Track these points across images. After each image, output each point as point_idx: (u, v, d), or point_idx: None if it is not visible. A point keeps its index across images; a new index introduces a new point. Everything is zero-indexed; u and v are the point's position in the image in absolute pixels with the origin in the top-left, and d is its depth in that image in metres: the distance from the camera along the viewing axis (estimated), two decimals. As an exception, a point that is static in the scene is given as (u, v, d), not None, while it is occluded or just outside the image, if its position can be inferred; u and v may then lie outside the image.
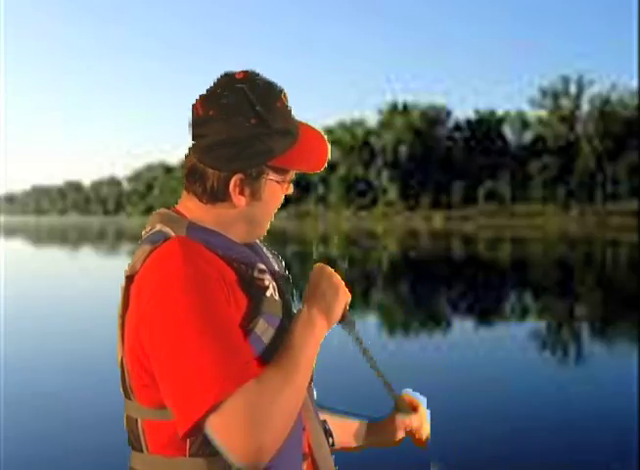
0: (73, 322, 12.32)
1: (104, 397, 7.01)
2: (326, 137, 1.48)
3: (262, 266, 1.39)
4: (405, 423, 1.71)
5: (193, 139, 1.41)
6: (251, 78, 1.38)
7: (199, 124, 1.38)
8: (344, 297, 1.47)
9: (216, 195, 1.39)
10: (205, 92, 1.40)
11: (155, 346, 1.25)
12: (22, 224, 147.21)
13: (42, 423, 6.27)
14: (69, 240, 55.80)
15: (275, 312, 1.37)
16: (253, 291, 1.34)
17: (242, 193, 1.39)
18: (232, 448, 1.19)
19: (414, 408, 1.73)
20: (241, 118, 1.35)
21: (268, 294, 1.37)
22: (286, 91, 1.43)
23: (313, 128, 1.49)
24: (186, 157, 1.43)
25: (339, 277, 1.47)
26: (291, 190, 1.48)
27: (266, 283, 1.37)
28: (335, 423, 1.68)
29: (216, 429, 1.20)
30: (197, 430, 1.23)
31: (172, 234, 1.35)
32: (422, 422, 1.74)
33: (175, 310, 1.24)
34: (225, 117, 1.35)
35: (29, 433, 6.00)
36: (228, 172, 1.37)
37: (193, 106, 1.40)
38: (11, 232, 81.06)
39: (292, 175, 1.45)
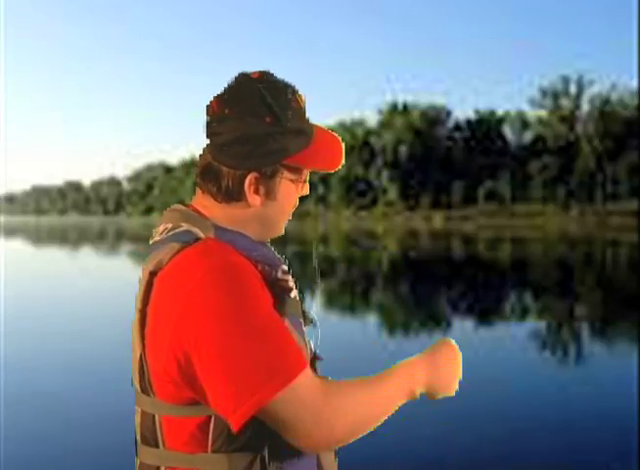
0: (73, 322, 12.31)
1: (104, 397, 7.01)
2: (341, 139, 1.48)
3: (285, 267, 1.40)
4: None
5: (208, 137, 1.41)
6: (267, 78, 1.39)
7: (214, 123, 1.39)
8: (455, 382, 1.46)
9: (231, 194, 1.39)
10: (220, 92, 1.41)
11: (205, 342, 1.23)
12: (22, 224, 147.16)
13: (42, 423, 6.27)
14: (69, 240, 55.78)
15: (298, 314, 1.38)
16: (278, 292, 1.35)
17: (257, 192, 1.39)
18: (296, 437, 1.24)
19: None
20: (256, 117, 1.35)
21: (292, 295, 1.37)
22: (301, 93, 1.44)
23: (327, 131, 1.49)
24: (200, 156, 1.44)
25: (460, 364, 1.47)
26: (306, 191, 1.48)
27: (290, 284, 1.38)
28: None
29: (280, 417, 1.22)
30: (254, 419, 1.25)
31: (202, 235, 1.35)
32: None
33: (221, 307, 1.23)
34: (240, 116, 1.36)
35: (29, 433, 5.99)
36: (243, 171, 1.37)
37: (208, 105, 1.41)
38: (11, 232, 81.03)
39: (306, 175, 1.46)
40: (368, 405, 1.29)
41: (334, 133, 1.49)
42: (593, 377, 7.98)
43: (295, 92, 1.41)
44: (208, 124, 1.40)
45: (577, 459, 5.26)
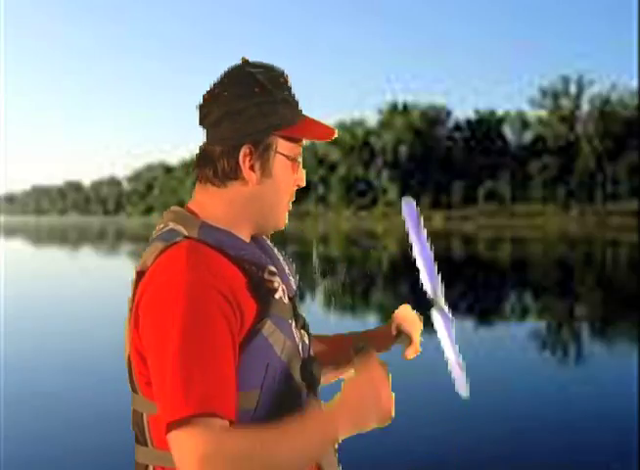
0: (73, 322, 12.32)
1: (104, 397, 7.02)
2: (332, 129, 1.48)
3: (273, 269, 1.39)
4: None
5: (200, 123, 1.42)
6: (256, 62, 1.42)
7: (204, 106, 1.41)
8: (385, 414, 1.31)
9: (227, 173, 1.39)
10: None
11: (148, 346, 1.27)
12: (22, 224, 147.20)
13: (42, 423, 6.27)
14: (69, 240, 55.79)
15: (283, 315, 1.37)
16: (262, 292, 1.34)
17: (252, 168, 1.39)
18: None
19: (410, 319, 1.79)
20: (244, 88, 1.37)
21: (277, 296, 1.36)
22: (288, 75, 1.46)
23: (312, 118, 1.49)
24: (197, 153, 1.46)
25: (388, 386, 1.33)
26: (303, 181, 1.47)
27: (275, 285, 1.37)
28: (333, 343, 1.73)
29: (173, 446, 1.19)
30: (237, 418, 1.26)
31: (185, 233, 1.35)
32: (415, 335, 1.80)
33: (169, 318, 1.24)
34: (228, 90, 1.37)
35: (29, 433, 6.00)
36: (236, 145, 1.37)
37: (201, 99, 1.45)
38: (11, 232, 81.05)
39: (299, 151, 1.44)
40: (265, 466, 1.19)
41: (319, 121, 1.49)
42: (593, 377, 7.98)
43: (285, 75, 1.43)
44: (200, 110, 1.42)
45: (577, 459, 5.26)
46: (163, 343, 1.23)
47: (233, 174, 1.39)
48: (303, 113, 1.46)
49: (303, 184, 1.47)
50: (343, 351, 1.68)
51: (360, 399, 1.28)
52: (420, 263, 1.62)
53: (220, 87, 1.39)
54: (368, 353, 1.33)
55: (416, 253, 1.61)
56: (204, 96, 1.42)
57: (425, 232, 1.62)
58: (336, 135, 1.45)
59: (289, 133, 1.40)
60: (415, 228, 1.60)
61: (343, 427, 1.25)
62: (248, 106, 1.36)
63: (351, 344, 1.52)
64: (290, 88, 1.42)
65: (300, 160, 1.46)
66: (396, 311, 1.76)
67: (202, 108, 1.41)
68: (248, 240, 1.45)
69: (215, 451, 1.15)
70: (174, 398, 1.19)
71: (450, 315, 1.65)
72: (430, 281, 1.63)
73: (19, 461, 5.30)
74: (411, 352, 1.78)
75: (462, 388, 1.65)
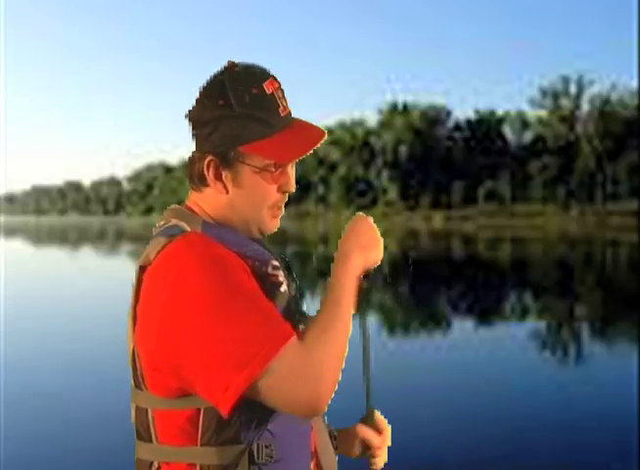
0: (73, 322, 12.32)
1: (104, 397, 7.01)
2: (323, 135, 1.43)
3: (276, 263, 1.40)
4: (367, 437, 1.61)
5: (186, 117, 1.46)
6: (235, 66, 1.41)
7: (191, 109, 1.44)
8: (379, 242, 1.47)
9: (199, 178, 1.41)
10: None
11: (186, 329, 1.25)
12: (22, 224, 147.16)
13: (42, 423, 6.27)
14: (69, 240, 55.78)
15: (288, 308, 1.38)
16: (267, 286, 1.35)
17: (218, 177, 1.39)
18: (292, 404, 1.24)
19: (380, 428, 1.63)
20: (211, 100, 1.38)
21: (282, 289, 1.37)
22: (277, 81, 1.41)
23: (310, 125, 1.45)
24: None
25: (375, 226, 1.48)
26: (291, 186, 1.44)
27: (280, 279, 1.38)
28: None
29: (274, 388, 1.23)
30: (242, 401, 1.24)
31: (188, 229, 1.36)
32: (383, 444, 1.63)
33: (202, 291, 1.25)
34: (200, 100, 1.40)
35: (29, 433, 6.00)
36: (203, 154, 1.40)
37: None
38: (11, 232, 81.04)
39: (284, 168, 1.42)
40: (340, 334, 1.31)
41: (315, 127, 1.45)
42: (593, 377, 7.98)
43: (263, 80, 1.39)
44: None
45: (577, 459, 5.26)
46: (208, 313, 1.24)
47: (204, 180, 1.41)
48: (295, 116, 1.44)
49: (292, 190, 1.44)
50: None
51: (362, 232, 1.44)
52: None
53: (200, 94, 1.41)
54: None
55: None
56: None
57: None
58: (314, 148, 1.40)
59: (250, 151, 1.37)
60: None
61: (356, 255, 1.40)
62: (211, 118, 1.37)
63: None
64: (269, 100, 1.38)
65: (290, 165, 1.43)
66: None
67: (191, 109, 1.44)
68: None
69: (316, 348, 1.26)
70: (255, 345, 1.22)
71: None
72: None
73: (19, 461, 5.30)
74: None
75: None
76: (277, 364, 1.22)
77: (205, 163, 1.39)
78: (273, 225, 1.46)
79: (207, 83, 1.41)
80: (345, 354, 1.32)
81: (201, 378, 1.24)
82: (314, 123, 1.47)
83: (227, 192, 1.40)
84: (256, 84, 1.38)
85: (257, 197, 1.41)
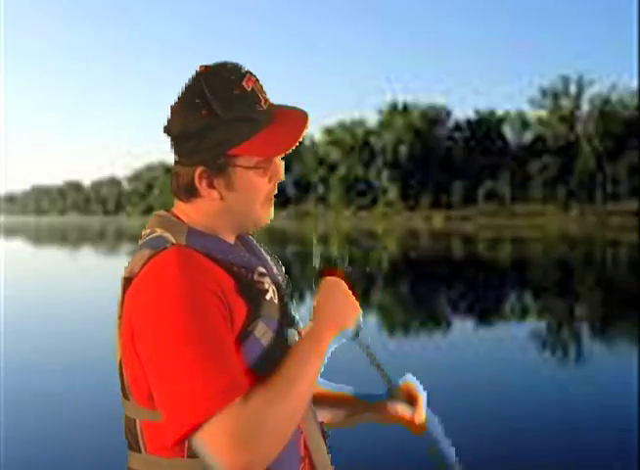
0: (73, 322, 12.32)
1: (104, 397, 7.01)
2: (307, 118, 1.41)
3: (262, 270, 1.39)
4: (399, 412, 1.63)
5: (165, 132, 1.41)
6: (210, 70, 1.37)
7: (167, 121, 1.40)
8: (355, 311, 1.44)
9: (190, 191, 1.39)
10: None
11: (148, 355, 1.26)
12: (22, 224, 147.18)
13: (42, 423, 6.27)
14: (69, 240, 55.78)
15: (274, 315, 1.37)
16: (253, 294, 1.34)
17: (211, 186, 1.37)
18: (220, 465, 1.20)
19: (411, 399, 1.64)
20: (193, 111, 1.34)
21: (268, 297, 1.36)
22: (252, 75, 1.38)
23: (291, 110, 1.43)
24: None
25: (348, 290, 1.45)
26: (281, 176, 1.43)
27: (266, 286, 1.37)
28: (329, 396, 1.68)
29: (205, 444, 1.20)
30: (186, 439, 1.23)
31: (173, 240, 1.34)
32: (418, 411, 1.64)
33: (168, 324, 1.24)
34: (180, 111, 1.36)
35: (29, 433, 6.00)
36: (192, 166, 1.37)
37: None
38: (11, 232, 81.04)
39: (272, 160, 1.40)
40: (289, 410, 1.25)
41: (297, 110, 1.42)
42: (593, 377, 7.98)
43: (241, 77, 1.36)
44: (166, 122, 1.40)
45: (577, 459, 5.26)
46: (167, 350, 1.23)
47: (195, 192, 1.39)
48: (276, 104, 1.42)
49: (282, 178, 1.43)
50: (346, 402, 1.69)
51: (335, 303, 1.41)
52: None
53: (176, 105, 1.37)
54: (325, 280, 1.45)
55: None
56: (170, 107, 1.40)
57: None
58: (300, 139, 1.38)
59: (243, 152, 1.36)
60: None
61: (330, 333, 1.37)
62: (196, 130, 1.34)
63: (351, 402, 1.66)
64: (249, 96, 1.35)
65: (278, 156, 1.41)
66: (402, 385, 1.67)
67: (167, 121, 1.39)
68: (233, 242, 1.45)
69: (249, 425, 1.20)
70: (195, 398, 1.20)
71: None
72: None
73: (19, 461, 5.30)
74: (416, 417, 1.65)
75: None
76: (216, 422, 1.19)
77: (197, 175, 1.36)
78: (268, 215, 1.45)
79: (184, 93, 1.36)
80: (298, 418, 1.27)
81: (158, 405, 1.26)
82: (312, 124, 1.45)
83: (221, 198, 1.38)
84: (236, 84, 1.35)
85: (252, 194, 1.40)
